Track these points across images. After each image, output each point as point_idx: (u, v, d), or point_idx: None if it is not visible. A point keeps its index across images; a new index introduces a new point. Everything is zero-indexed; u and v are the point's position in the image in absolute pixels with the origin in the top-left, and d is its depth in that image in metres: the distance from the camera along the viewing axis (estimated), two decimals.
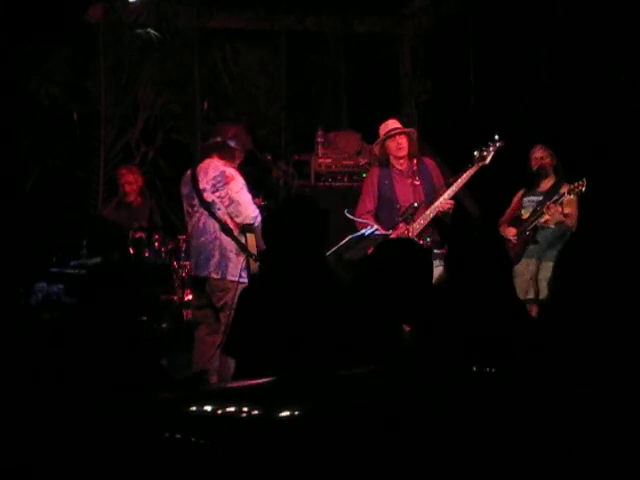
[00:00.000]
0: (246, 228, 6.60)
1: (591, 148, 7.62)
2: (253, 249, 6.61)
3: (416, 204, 6.85)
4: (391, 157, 7.09)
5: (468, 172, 6.90)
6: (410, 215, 6.82)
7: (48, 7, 7.97)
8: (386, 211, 7.02)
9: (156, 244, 7.00)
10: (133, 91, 8.98)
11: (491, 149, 6.88)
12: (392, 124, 7.09)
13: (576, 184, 6.97)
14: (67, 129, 8.73)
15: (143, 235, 7.03)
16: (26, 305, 6.28)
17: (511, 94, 8.36)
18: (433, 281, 6.45)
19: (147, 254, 6.91)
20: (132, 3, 8.71)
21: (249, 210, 6.51)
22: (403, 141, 7.00)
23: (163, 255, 7.05)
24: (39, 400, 4.97)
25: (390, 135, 6.99)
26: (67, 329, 6.27)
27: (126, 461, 2.66)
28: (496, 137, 6.91)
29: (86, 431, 2.86)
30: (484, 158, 6.88)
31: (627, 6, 7.74)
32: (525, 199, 7.35)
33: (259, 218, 6.56)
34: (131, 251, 6.90)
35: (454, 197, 6.98)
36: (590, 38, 7.89)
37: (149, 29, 8.85)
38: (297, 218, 4.13)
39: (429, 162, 7.16)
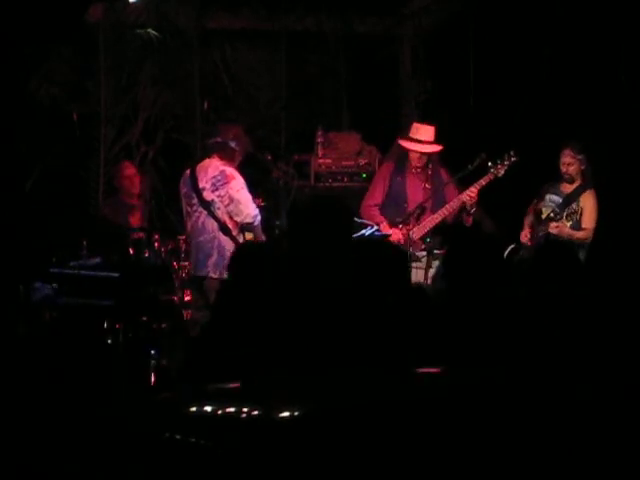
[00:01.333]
0: (245, 227, 6.63)
1: (591, 148, 7.60)
2: None
3: (424, 205, 6.91)
4: (409, 159, 7.14)
5: (480, 182, 6.96)
6: (417, 216, 6.86)
7: (48, 7, 7.96)
8: (392, 207, 7.06)
9: (156, 244, 7.00)
10: (133, 91, 8.97)
11: (506, 163, 6.96)
12: (428, 135, 7.09)
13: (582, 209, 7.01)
14: (67, 129, 8.71)
15: (143, 235, 7.03)
16: (26, 304, 6.28)
17: (511, 94, 8.35)
18: (430, 281, 6.51)
19: (147, 254, 6.91)
20: (132, 3, 8.69)
21: (249, 209, 6.55)
22: (426, 156, 7.06)
23: (163, 255, 7.05)
24: (39, 399, 4.97)
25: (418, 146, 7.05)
26: (67, 329, 6.28)
27: (126, 461, 2.65)
28: (512, 152, 6.98)
29: (87, 431, 2.86)
30: (498, 170, 6.95)
31: (627, 6, 7.73)
32: (547, 196, 7.32)
33: (259, 217, 6.59)
34: (131, 251, 6.90)
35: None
36: (590, 38, 7.88)
37: (149, 29, 8.84)
38: (328, 219, 4.12)
39: (444, 173, 7.20)
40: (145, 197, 8.18)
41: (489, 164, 7.00)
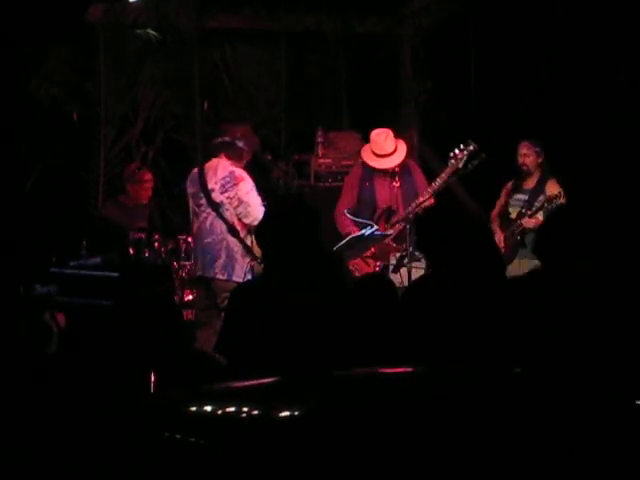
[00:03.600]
0: (253, 230, 6.61)
1: (591, 148, 7.61)
2: (258, 252, 6.63)
3: (393, 208, 6.86)
4: None
5: (441, 177, 6.87)
6: (386, 218, 6.83)
7: (48, 7, 7.96)
8: (365, 212, 7.02)
9: (156, 244, 6.99)
10: (133, 91, 8.97)
11: (465, 153, 6.85)
12: (388, 146, 6.99)
13: (554, 195, 6.98)
14: (67, 129, 8.72)
15: (143, 235, 7.03)
16: (26, 305, 6.28)
17: (511, 94, 8.35)
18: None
19: (147, 254, 6.91)
20: (132, 3, 8.69)
21: (258, 211, 6.53)
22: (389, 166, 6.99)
23: (163, 255, 7.05)
24: (39, 399, 4.97)
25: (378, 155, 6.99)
26: (67, 329, 6.28)
27: (126, 461, 2.65)
28: (469, 141, 6.88)
29: (87, 431, 2.86)
30: (457, 162, 6.86)
31: (627, 6, 7.73)
32: (513, 196, 7.35)
33: None
34: (131, 251, 6.90)
35: (455, 196, 6.99)
36: (590, 38, 7.89)
37: (148, 29, 8.84)
38: (283, 218, 4.13)
39: (412, 165, 7.17)
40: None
41: (450, 155, 6.88)
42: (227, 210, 6.55)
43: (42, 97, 8.58)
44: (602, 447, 2.59)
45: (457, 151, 6.85)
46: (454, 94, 8.80)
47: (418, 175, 7.11)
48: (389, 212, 6.89)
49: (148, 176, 7.95)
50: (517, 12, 8.27)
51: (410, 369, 3.33)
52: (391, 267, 6.81)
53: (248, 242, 6.57)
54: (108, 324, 6.19)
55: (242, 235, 6.56)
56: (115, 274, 6.45)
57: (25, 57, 8.33)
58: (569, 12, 8.05)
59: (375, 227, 6.84)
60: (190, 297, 7.04)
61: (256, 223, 6.52)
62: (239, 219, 6.56)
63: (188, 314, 7.04)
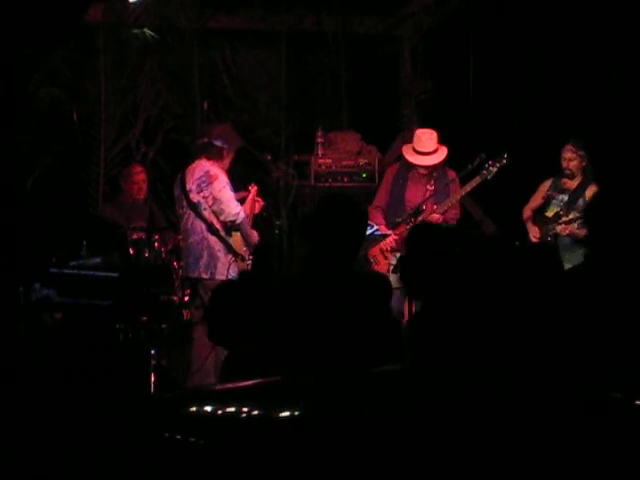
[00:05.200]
0: (232, 227, 6.66)
1: (591, 148, 7.61)
2: (240, 249, 6.67)
3: (421, 209, 6.86)
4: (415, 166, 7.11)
5: (470, 184, 6.91)
6: (412, 217, 6.84)
7: (48, 7, 7.96)
8: (393, 209, 7.06)
9: (156, 244, 7.01)
10: (133, 91, 8.98)
11: (497, 165, 6.87)
12: (431, 145, 7.02)
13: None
14: (67, 129, 8.72)
15: (143, 235, 7.04)
16: (26, 305, 6.28)
17: (511, 94, 8.36)
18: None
19: (147, 254, 6.91)
20: (132, 3, 8.70)
21: (231, 207, 6.59)
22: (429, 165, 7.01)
23: (163, 255, 7.06)
24: (39, 399, 4.98)
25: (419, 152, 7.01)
26: (67, 329, 6.28)
27: (126, 461, 2.65)
28: (504, 155, 6.90)
29: (87, 431, 2.86)
30: (489, 172, 6.87)
31: (625, 7, 7.74)
32: (551, 193, 7.30)
33: (242, 215, 6.63)
34: (131, 251, 6.91)
35: (471, 215, 7.02)
36: (590, 38, 7.89)
37: (145, 29, 8.84)
38: (334, 216, 4.11)
39: (451, 174, 7.13)
40: (147, 197, 8.17)
41: (486, 165, 6.92)
42: (205, 209, 6.62)
43: (42, 97, 8.59)
44: (602, 447, 2.59)
45: (491, 161, 6.86)
46: (454, 94, 8.81)
47: (455, 185, 7.09)
48: (418, 212, 6.88)
49: (138, 169, 7.94)
50: (517, 12, 8.28)
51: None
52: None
53: (229, 240, 6.63)
54: (108, 324, 6.20)
55: (222, 233, 6.61)
56: (115, 274, 6.46)
57: (25, 57, 8.34)
58: (568, 12, 8.05)
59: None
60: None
61: (230, 219, 6.58)
62: (217, 217, 6.62)
63: (188, 314, 7.05)
